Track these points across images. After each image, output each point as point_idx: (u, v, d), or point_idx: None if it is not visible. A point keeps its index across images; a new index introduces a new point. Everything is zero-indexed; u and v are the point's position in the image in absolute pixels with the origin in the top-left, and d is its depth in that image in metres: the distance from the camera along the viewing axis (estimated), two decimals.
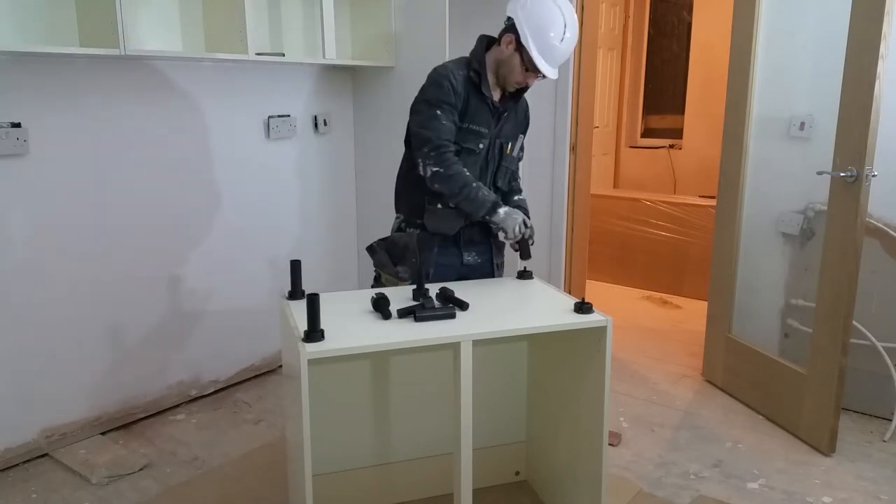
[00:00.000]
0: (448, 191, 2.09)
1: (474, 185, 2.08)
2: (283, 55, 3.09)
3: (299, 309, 1.81)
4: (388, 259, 2.23)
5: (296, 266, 2.02)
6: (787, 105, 2.88)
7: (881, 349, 2.80)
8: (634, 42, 5.90)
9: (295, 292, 2.01)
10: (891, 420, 2.79)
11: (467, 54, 2.22)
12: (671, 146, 5.82)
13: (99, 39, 2.39)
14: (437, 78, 2.11)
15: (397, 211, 2.32)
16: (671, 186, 5.76)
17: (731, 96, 3.06)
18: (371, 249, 2.29)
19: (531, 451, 2.41)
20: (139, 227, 2.80)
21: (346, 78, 3.56)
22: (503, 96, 2.22)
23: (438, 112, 2.07)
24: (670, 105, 5.90)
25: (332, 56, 3.16)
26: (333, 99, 3.53)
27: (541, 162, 3.58)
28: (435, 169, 2.06)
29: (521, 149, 2.38)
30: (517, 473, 2.44)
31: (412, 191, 2.24)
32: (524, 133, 2.36)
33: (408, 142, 2.24)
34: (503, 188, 2.31)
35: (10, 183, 2.40)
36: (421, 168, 2.09)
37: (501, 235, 2.20)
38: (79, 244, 2.61)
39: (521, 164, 2.42)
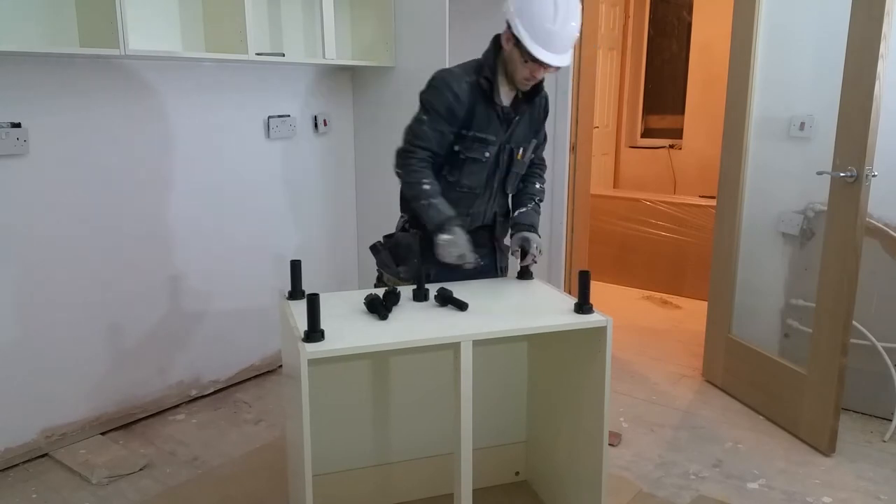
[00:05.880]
0: (407, 195, 2.11)
1: (425, 202, 2.03)
2: (283, 55, 3.09)
3: (299, 309, 1.81)
4: (392, 259, 2.22)
5: (296, 266, 2.02)
6: (787, 105, 2.88)
7: (881, 349, 2.80)
8: (634, 42, 5.91)
9: (295, 292, 2.01)
10: (891, 420, 2.79)
11: (467, 55, 2.19)
12: (671, 146, 5.83)
13: (99, 39, 2.39)
14: (439, 84, 2.05)
15: (402, 210, 2.28)
16: (671, 186, 5.76)
17: (731, 96, 3.06)
18: (374, 249, 2.27)
19: (531, 451, 2.41)
20: (139, 226, 2.80)
21: (346, 78, 3.56)
22: (516, 99, 2.15)
23: (425, 117, 2.05)
24: (670, 105, 5.90)
25: (332, 56, 3.16)
26: (333, 99, 3.53)
27: None
28: (398, 170, 2.09)
29: (541, 144, 2.33)
30: (517, 473, 2.44)
31: None
32: (541, 128, 2.28)
33: None
34: (512, 192, 2.27)
35: (10, 183, 2.40)
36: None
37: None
38: (78, 244, 2.61)
39: (540, 153, 2.36)
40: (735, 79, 3.03)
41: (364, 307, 1.87)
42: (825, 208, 2.60)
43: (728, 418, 2.93)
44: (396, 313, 1.85)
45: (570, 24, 1.95)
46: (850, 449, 2.66)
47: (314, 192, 3.52)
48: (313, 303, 1.61)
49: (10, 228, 2.42)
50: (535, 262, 2.22)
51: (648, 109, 6.08)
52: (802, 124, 2.82)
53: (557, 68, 1.99)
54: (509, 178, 2.22)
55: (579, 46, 3.38)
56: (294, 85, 3.32)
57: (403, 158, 2.07)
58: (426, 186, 2.03)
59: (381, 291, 1.93)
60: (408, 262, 2.18)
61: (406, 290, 2.01)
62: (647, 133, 6.11)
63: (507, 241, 2.37)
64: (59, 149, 2.51)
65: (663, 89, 5.96)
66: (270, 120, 3.22)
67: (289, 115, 3.31)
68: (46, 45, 2.39)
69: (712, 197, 3.69)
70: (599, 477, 1.91)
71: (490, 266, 2.30)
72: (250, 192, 3.19)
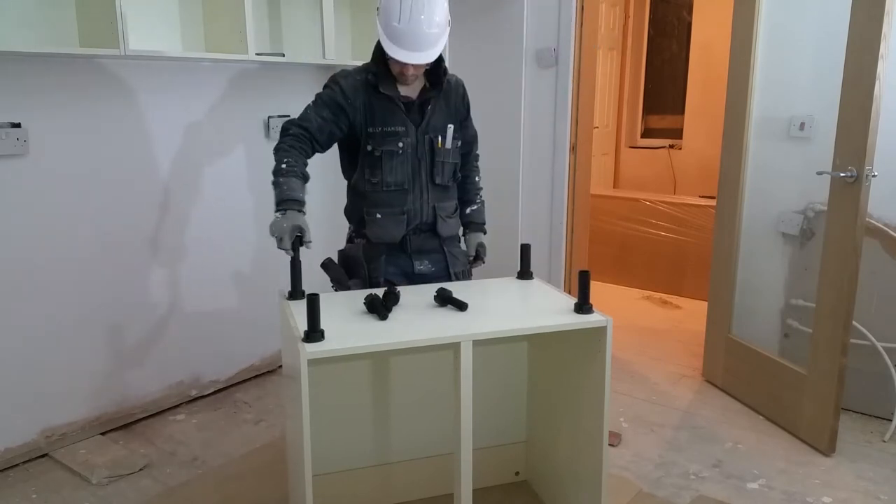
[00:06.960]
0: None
1: (282, 178, 2.02)
2: (283, 55, 3.09)
3: (299, 309, 1.81)
4: (344, 274, 2.21)
5: (296, 266, 2.02)
6: (787, 105, 2.87)
7: (881, 349, 2.80)
8: (634, 42, 5.91)
9: (295, 292, 2.01)
10: (891, 420, 2.79)
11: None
12: (671, 146, 5.83)
13: (99, 39, 2.39)
14: (330, 81, 2.16)
15: (348, 220, 2.34)
16: (671, 186, 5.76)
17: (731, 96, 3.06)
18: (325, 266, 2.22)
19: (531, 451, 2.41)
20: (139, 226, 2.80)
21: None
22: (424, 88, 2.18)
23: (311, 104, 2.13)
24: (670, 105, 5.91)
25: (332, 56, 3.16)
26: None
27: (541, 162, 3.58)
28: (276, 143, 2.11)
29: (471, 140, 2.35)
30: (517, 473, 2.44)
31: (354, 201, 2.28)
32: (462, 121, 2.28)
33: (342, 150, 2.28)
34: (444, 183, 2.24)
35: (10, 183, 2.40)
36: None
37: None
38: (78, 244, 2.61)
39: (470, 155, 2.39)
40: (735, 79, 3.03)
41: (364, 307, 1.87)
42: (825, 208, 2.60)
43: (728, 418, 2.94)
44: (396, 313, 1.85)
45: (419, 23, 1.98)
46: (850, 449, 2.66)
47: (314, 192, 3.48)
48: (313, 303, 1.61)
49: (11, 228, 2.42)
50: (483, 264, 2.34)
51: (648, 109, 6.08)
52: (802, 124, 2.82)
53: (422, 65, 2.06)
54: (436, 169, 2.21)
55: (579, 47, 3.38)
56: (294, 85, 3.32)
57: (281, 135, 2.12)
58: (284, 165, 2.05)
59: (380, 291, 1.93)
60: (357, 274, 2.20)
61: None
62: (647, 133, 6.11)
63: (462, 245, 2.39)
64: (59, 149, 2.51)
65: (663, 89, 5.97)
66: (270, 120, 3.22)
67: (289, 116, 3.29)
68: (46, 45, 2.39)
69: (712, 197, 3.69)
70: (599, 477, 1.91)
71: (443, 272, 2.28)
72: (250, 192, 3.19)
